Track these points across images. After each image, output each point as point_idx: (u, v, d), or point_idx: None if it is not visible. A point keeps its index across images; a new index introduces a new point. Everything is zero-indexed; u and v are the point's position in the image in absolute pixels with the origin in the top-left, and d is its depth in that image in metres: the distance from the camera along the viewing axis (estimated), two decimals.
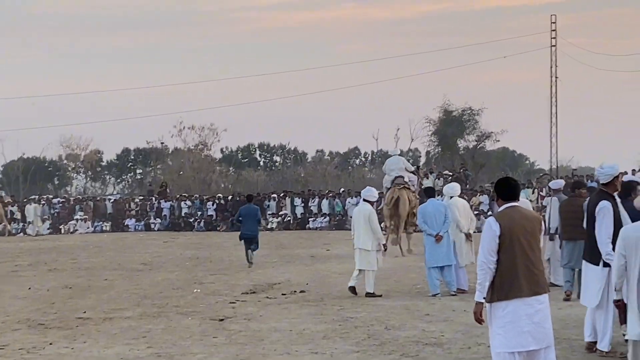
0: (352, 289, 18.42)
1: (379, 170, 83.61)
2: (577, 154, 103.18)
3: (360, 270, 18.47)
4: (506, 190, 8.85)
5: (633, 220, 10.39)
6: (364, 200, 18.97)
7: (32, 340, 13.75)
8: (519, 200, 8.91)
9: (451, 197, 19.25)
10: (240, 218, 27.09)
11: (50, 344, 13.42)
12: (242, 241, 26.62)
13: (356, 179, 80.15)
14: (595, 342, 11.66)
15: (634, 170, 41.63)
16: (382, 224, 28.52)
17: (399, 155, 31.78)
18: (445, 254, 18.14)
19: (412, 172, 31.35)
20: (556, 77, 61.25)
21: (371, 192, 19.05)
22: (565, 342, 12.29)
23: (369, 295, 18.14)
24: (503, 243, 8.59)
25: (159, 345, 13.02)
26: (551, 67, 61.56)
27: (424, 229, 18.37)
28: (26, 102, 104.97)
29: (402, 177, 29.68)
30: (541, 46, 63.34)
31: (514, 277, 8.54)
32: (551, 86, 61.44)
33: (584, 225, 12.07)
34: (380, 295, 18.12)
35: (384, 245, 19.20)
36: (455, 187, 19.95)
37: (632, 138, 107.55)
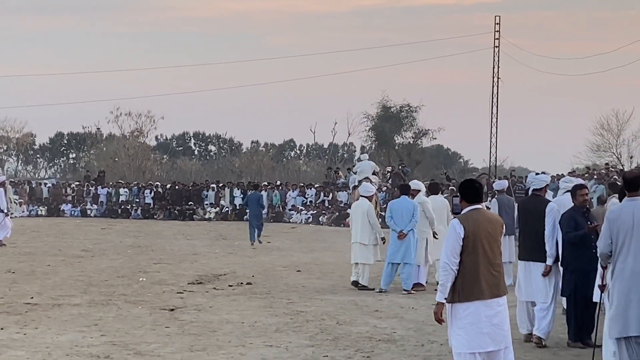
0: (355, 283, 18.90)
1: (314, 163, 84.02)
2: (512, 155, 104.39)
3: (357, 263, 18.98)
4: (471, 192, 8.96)
5: None
6: (362, 196, 19.42)
7: None
8: (482, 202, 9.04)
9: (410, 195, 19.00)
10: (247, 203, 34.30)
11: (1, 329, 13.31)
12: (248, 223, 31.81)
13: (291, 171, 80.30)
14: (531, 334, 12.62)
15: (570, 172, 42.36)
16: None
17: (368, 160, 35.62)
18: (406, 252, 18.26)
19: (374, 174, 34.77)
20: (498, 78, 61.71)
21: (368, 188, 19.63)
22: (517, 342, 12.52)
23: (362, 288, 18.62)
24: (466, 246, 8.70)
25: (112, 334, 13.00)
26: (493, 67, 62.00)
27: (390, 224, 18.47)
28: None
29: (369, 178, 31.89)
30: (484, 46, 63.92)
31: (475, 279, 8.67)
32: (492, 86, 61.84)
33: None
34: (374, 289, 18.42)
35: (383, 238, 19.25)
36: (421, 185, 19.93)
37: (567, 140, 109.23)
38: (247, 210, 34.76)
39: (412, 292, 18.14)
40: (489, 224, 8.82)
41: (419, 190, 19.24)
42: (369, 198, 19.31)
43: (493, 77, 61.97)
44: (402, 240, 18.28)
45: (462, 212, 8.96)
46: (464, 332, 8.74)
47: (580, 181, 15.68)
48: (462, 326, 8.76)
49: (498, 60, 62.03)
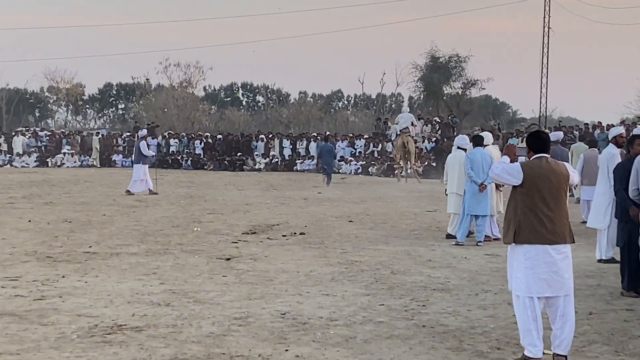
0: (451, 236, 18.83)
1: (361, 113, 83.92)
2: (560, 105, 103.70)
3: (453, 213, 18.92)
4: (537, 142, 9.08)
5: None
6: (458, 147, 19.25)
7: (44, 273, 13.93)
8: (549, 152, 9.11)
9: (485, 146, 18.75)
10: (319, 153, 40.52)
11: (63, 276, 13.61)
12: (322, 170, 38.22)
13: (339, 122, 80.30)
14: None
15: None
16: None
17: (409, 112, 42.55)
18: (485, 204, 18.23)
19: (413, 125, 42.11)
20: (549, 28, 61.11)
21: (465, 140, 19.50)
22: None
23: (449, 236, 18.72)
24: (525, 190, 8.84)
25: (171, 282, 13.24)
26: (544, 18, 61.39)
27: (471, 175, 18.03)
28: (10, 33, 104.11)
29: (407, 128, 40.55)
30: None
31: (534, 223, 8.78)
32: (543, 36, 61.31)
33: None
34: (455, 237, 18.42)
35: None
36: (489, 137, 19.80)
37: (617, 90, 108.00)
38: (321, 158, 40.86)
39: (480, 244, 18.08)
40: (551, 172, 8.88)
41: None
42: (465, 150, 18.99)
43: (544, 27, 61.40)
44: (483, 192, 18.08)
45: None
46: (522, 275, 8.85)
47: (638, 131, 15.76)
48: (521, 269, 8.87)
49: (549, 10, 61.39)
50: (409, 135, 40.35)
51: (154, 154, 32.06)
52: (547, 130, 40.06)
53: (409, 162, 41.02)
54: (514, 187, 9.01)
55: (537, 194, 8.83)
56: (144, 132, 33.53)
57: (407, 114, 41.52)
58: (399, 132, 40.79)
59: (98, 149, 55.26)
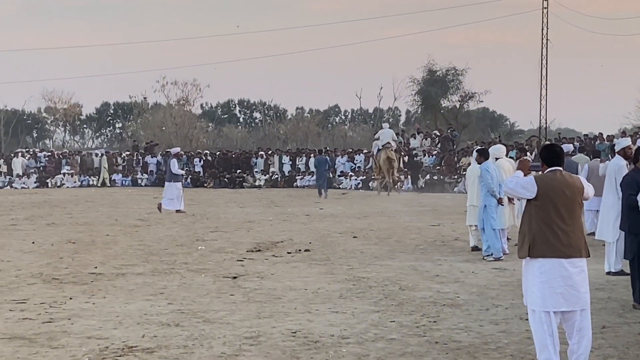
0: (475, 248, 18.71)
1: (359, 128, 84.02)
2: (558, 117, 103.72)
3: (471, 226, 18.75)
4: (551, 155, 9.04)
5: None
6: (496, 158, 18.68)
7: (51, 295, 13.85)
8: (563, 166, 9.08)
9: (497, 159, 18.60)
10: (316, 165, 42.94)
11: (70, 298, 13.53)
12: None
13: (336, 137, 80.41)
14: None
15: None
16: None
17: (389, 128, 44.26)
18: (509, 216, 18.07)
19: (394, 140, 43.97)
20: (547, 39, 61.12)
21: (500, 150, 19.20)
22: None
23: (476, 249, 18.59)
24: (539, 203, 8.80)
25: (179, 302, 13.17)
26: (542, 29, 61.37)
27: (491, 189, 17.72)
28: (7, 54, 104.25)
29: (389, 143, 42.47)
30: (532, 7, 63.38)
31: (549, 237, 8.74)
32: (542, 48, 61.26)
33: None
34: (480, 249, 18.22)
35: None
36: (501, 149, 19.66)
37: (616, 101, 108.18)
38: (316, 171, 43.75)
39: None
40: (566, 185, 8.85)
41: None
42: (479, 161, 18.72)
43: (542, 39, 61.37)
44: (503, 205, 17.93)
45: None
46: (538, 290, 8.80)
47: None
48: (536, 283, 8.82)
49: (547, 22, 61.39)
50: (392, 150, 42.45)
51: (183, 172, 32.02)
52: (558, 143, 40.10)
53: (392, 175, 42.71)
54: (528, 201, 8.97)
55: (551, 207, 8.79)
56: (176, 149, 33.72)
57: (387, 130, 43.31)
58: (380, 148, 42.64)
59: (106, 167, 54.96)
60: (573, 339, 8.91)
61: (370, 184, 47.76)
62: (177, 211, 30.71)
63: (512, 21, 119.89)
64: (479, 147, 19.16)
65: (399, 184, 44.21)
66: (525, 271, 9.07)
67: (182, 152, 52.45)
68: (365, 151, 54.42)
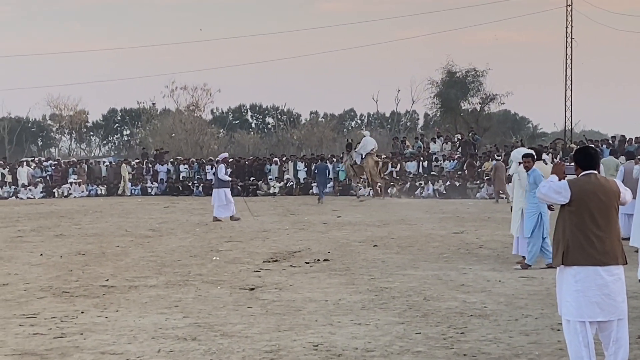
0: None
1: (376, 132, 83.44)
2: (583, 118, 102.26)
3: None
4: (585, 159, 8.70)
5: None
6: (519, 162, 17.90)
7: (62, 309, 13.37)
8: (598, 170, 8.69)
9: (520, 163, 17.72)
10: (316, 171, 44.57)
11: (82, 312, 13.06)
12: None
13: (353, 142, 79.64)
14: None
15: None
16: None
17: (370, 136, 47.45)
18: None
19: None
20: (572, 38, 60.09)
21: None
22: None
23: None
24: (573, 208, 8.49)
25: (195, 315, 12.68)
26: (566, 27, 60.35)
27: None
28: (11, 61, 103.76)
29: (374, 148, 45.18)
30: (556, 5, 62.51)
31: (583, 243, 8.43)
32: (566, 47, 60.22)
33: None
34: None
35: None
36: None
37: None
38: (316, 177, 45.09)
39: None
40: (601, 190, 8.51)
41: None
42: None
43: (567, 38, 60.29)
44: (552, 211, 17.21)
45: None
46: (572, 299, 8.48)
47: None
48: (571, 292, 8.49)
49: (571, 20, 60.31)
50: (377, 154, 45.19)
51: (229, 178, 31.56)
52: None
53: (379, 180, 44.99)
54: (562, 206, 8.64)
55: (586, 212, 8.45)
56: (224, 155, 33.12)
57: (369, 139, 46.07)
58: (364, 156, 44.74)
59: (126, 176, 54.18)
60: (609, 350, 8.59)
61: (389, 190, 46.96)
62: (231, 218, 30.27)
63: (534, 19, 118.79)
64: (526, 152, 18.08)
65: (382, 187, 45.49)
66: (560, 280, 8.74)
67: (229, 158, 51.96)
68: (383, 156, 53.83)
